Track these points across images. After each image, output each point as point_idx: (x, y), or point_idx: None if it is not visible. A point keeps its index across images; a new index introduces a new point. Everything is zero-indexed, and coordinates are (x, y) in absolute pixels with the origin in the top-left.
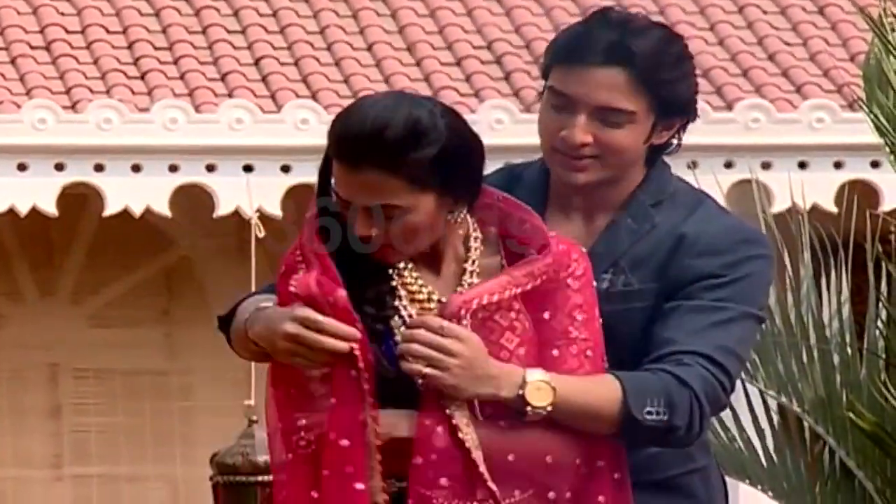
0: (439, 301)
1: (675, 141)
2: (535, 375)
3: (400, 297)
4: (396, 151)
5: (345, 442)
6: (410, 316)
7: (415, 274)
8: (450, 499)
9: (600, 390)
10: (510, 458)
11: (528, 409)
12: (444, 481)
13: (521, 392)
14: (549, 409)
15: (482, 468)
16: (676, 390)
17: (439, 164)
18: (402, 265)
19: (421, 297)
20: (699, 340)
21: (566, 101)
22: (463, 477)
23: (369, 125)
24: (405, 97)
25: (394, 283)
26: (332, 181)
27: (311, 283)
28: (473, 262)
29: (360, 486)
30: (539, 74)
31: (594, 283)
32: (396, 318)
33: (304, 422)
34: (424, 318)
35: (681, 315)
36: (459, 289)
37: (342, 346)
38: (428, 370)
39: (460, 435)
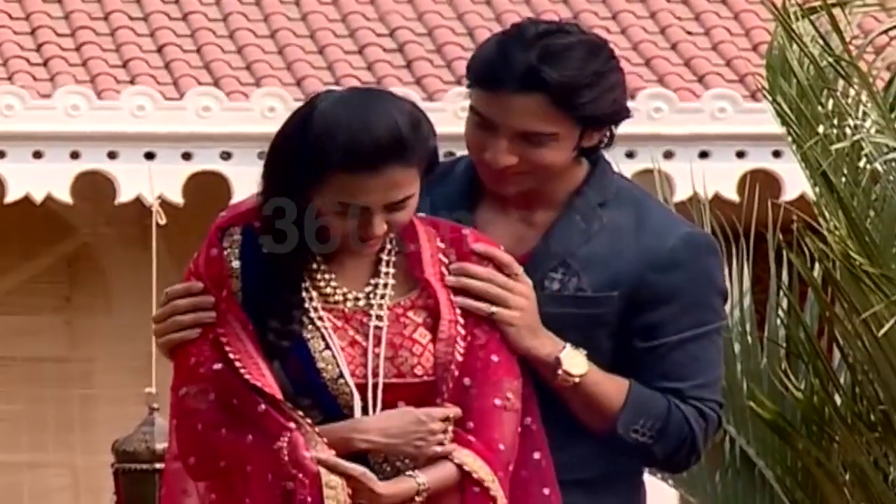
0: (356, 299)
1: (605, 139)
2: (573, 349)
3: (312, 299)
4: (414, 145)
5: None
6: (321, 318)
7: (327, 276)
8: None
9: (613, 390)
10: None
11: (560, 372)
12: None
13: (559, 356)
14: (577, 381)
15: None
16: (676, 426)
17: (434, 150)
18: (313, 266)
19: (336, 298)
20: (696, 382)
21: (488, 122)
22: None
23: (383, 128)
24: (368, 94)
25: (305, 285)
26: (318, 194)
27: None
28: (390, 251)
29: None
30: (442, 63)
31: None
32: (310, 325)
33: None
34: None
35: (666, 356)
36: (373, 280)
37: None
38: (496, 309)
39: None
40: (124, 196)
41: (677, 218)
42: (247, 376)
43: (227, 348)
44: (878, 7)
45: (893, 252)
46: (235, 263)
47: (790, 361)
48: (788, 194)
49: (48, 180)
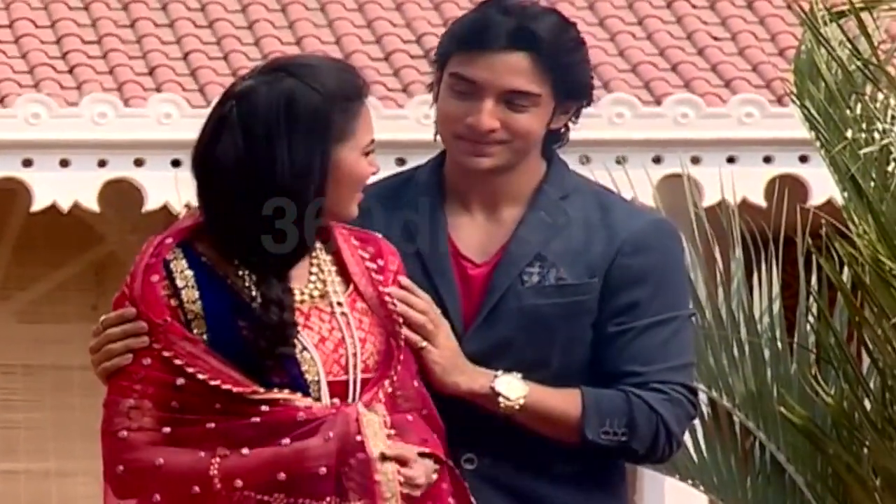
0: (302, 294)
1: (571, 125)
2: (507, 375)
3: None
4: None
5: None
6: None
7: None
8: None
9: (565, 401)
10: None
11: (501, 400)
12: None
13: (492, 385)
14: (522, 402)
15: None
16: (643, 415)
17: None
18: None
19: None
20: (663, 365)
21: (471, 87)
22: None
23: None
24: None
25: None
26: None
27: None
28: (320, 249)
29: None
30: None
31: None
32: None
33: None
34: (415, 290)
35: (635, 339)
36: (312, 277)
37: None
38: (426, 344)
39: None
40: (151, 204)
41: (639, 207)
42: (234, 388)
43: (189, 369)
44: None
45: None
46: (189, 272)
47: (820, 367)
48: (815, 199)
49: (75, 188)
